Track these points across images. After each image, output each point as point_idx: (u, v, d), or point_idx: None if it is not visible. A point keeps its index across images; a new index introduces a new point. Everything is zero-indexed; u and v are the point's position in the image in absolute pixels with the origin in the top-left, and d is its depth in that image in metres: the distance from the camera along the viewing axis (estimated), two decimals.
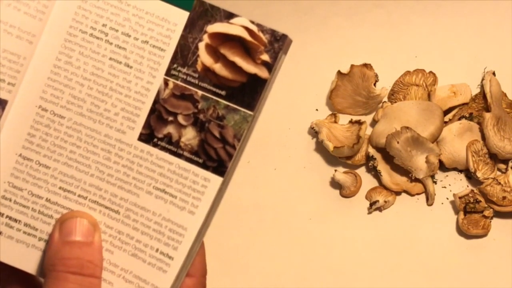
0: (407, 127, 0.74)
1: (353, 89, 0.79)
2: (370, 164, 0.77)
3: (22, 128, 0.48)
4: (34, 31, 0.48)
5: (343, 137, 0.77)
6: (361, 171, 0.79)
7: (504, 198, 0.74)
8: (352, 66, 0.79)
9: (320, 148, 0.79)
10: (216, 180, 0.47)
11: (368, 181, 0.78)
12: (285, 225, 0.77)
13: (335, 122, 0.79)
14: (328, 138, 0.76)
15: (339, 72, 0.79)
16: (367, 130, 0.78)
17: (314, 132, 0.79)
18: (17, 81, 0.48)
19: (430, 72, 0.80)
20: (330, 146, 0.75)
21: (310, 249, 0.76)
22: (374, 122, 0.80)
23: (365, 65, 0.79)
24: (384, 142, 0.75)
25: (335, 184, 0.78)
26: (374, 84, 0.79)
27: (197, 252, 0.48)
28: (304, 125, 0.80)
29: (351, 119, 0.79)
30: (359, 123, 0.77)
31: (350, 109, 0.81)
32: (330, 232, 0.76)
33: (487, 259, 0.74)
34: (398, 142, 0.74)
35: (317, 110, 0.81)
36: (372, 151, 0.77)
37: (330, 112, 0.81)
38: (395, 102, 0.80)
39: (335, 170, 0.77)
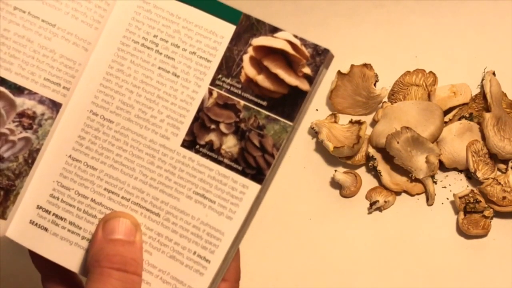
0: (407, 127, 0.74)
1: (353, 89, 0.79)
2: (370, 164, 0.77)
3: (73, 131, 0.51)
4: (90, 39, 0.51)
5: (343, 137, 0.77)
6: (361, 171, 0.79)
7: (504, 198, 0.74)
8: (352, 66, 0.79)
9: (320, 148, 0.79)
10: (254, 187, 0.49)
11: (368, 181, 0.78)
12: (285, 225, 0.77)
13: (335, 122, 0.79)
14: (328, 138, 0.77)
15: (339, 72, 0.79)
16: (367, 130, 0.79)
17: (314, 132, 0.79)
18: (71, 86, 0.51)
19: (430, 72, 0.81)
20: (330, 146, 0.76)
21: (310, 249, 0.76)
22: (374, 122, 0.80)
23: (365, 65, 0.79)
24: (384, 142, 0.75)
25: (335, 184, 0.78)
26: (374, 84, 0.79)
27: (233, 257, 0.51)
28: (304, 125, 0.81)
29: (351, 119, 0.79)
30: (359, 123, 0.78)
31: (350, 109, 0.81)
32: (330, 232, 0.76)
33: (487, 259, 0.75)
34: (398, 142, 0.74)
35: (317, 110, 0.82)
36: (372, 151, 0.77)
37: (330, 112, 0.81)
38: (395, 102, 0.80)
39: (335, 170, 0.77)
